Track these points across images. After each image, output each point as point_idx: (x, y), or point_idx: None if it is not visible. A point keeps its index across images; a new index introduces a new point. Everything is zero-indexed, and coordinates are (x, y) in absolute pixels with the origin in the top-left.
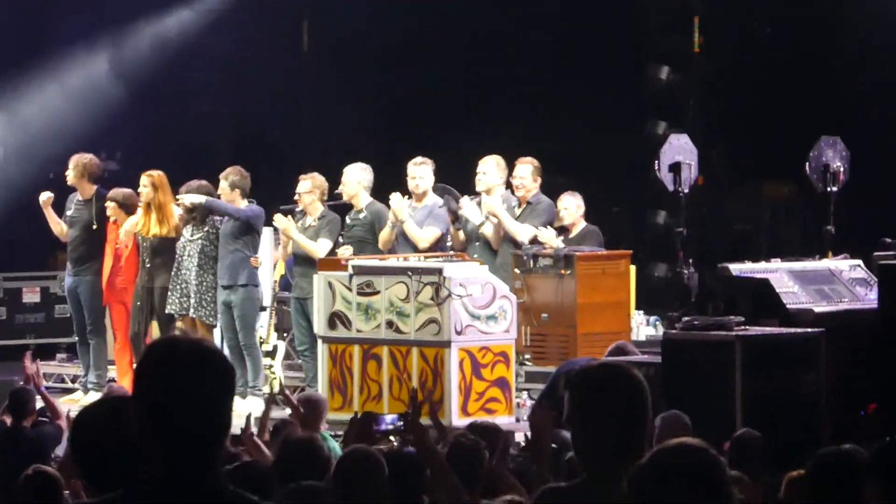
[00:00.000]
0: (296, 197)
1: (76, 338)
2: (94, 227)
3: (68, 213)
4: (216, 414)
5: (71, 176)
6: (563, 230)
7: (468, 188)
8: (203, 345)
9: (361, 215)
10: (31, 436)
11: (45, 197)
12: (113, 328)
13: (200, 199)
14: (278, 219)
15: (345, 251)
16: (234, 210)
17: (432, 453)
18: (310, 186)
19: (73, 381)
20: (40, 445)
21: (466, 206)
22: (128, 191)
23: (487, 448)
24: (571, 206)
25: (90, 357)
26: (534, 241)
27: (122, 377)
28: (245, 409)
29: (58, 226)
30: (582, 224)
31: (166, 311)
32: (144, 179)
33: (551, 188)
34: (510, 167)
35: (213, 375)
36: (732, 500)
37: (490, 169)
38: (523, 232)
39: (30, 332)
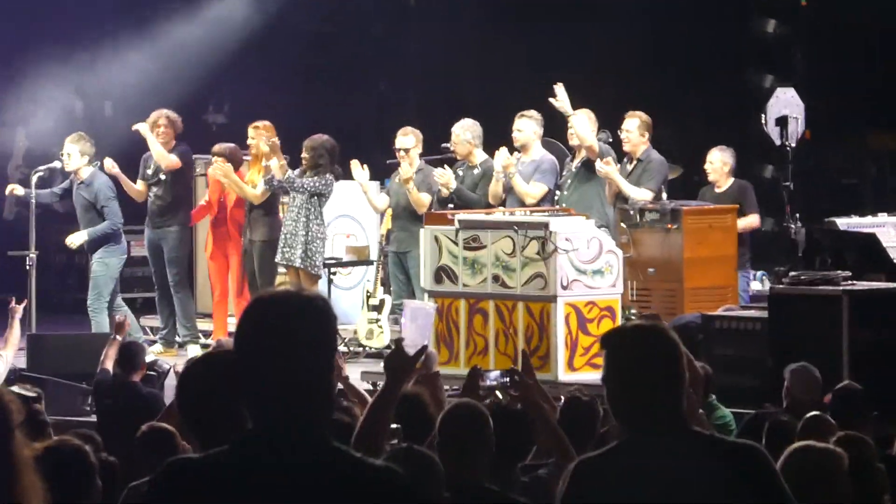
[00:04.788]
0: (401, 153)
1: (155, 292)
2: (163, 177)
3: (148, 171)
4: (317, 365)
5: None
6: (709, 185)
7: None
8: (304, 295)
9: (475, 171)
10: (143, 392)
11: (109, 164)
12: (211, 280)
13: (80, 239)
14: (405, 168)
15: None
16: (105, 229)
17: (539, 409)
18: (414, 142)
19: (154, 335)
20: (155, 401)
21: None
22: (231, 144)
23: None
24: (717, 162)
25: (177, 310)
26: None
27: (218, 331)
28: None
29: (134, 189)
30: (730, 180)
31: (275, 261)
32: (252, 132)
33: (655, 140)
34: (604, 120)
35: (312, 326)
36: None
37: (581, 122)
38: (640, 195)
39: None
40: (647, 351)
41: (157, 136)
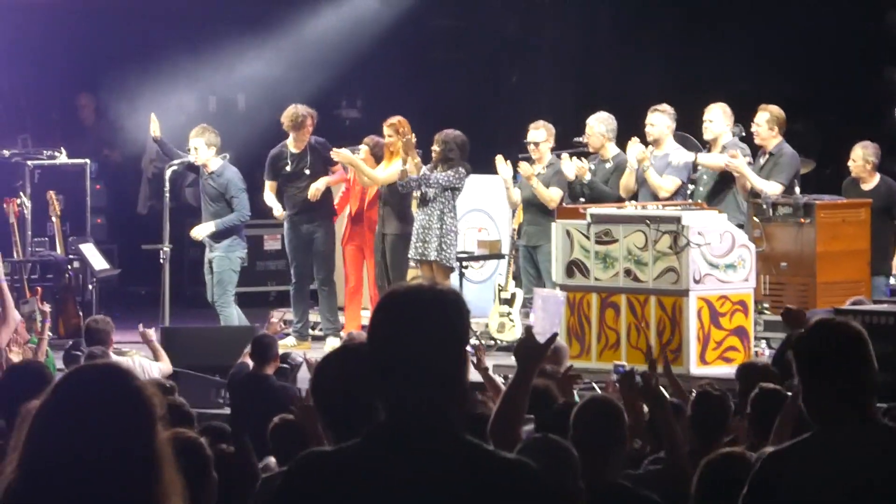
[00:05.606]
0: (531, 146)
1: (291, 285)
2: (308, 172)
3: (287, 169)
4: (450, 359)
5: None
6: (852, 180)
7: (697, 136)
8: (437, 289)
9: (607, 165)
10: (276, 385)
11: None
12: (345, 271)
13: (207, 230)
14: (524, 167)
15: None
16: (234, 220)
17: (658, 404)
18: (545, 135)
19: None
20: (287, 394)
21: (703, 158)
22: (382, 140)
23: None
24: (859, 159)
25: (322, 303)
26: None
27: (350, 323)
28: None
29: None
30: (877, 177)
31: (408, 257)
32: (388, 129)
33: (789, 134)
34: (740, 114)
35: (445, 320)
36: None
37: (716, 117)
38: (770, 188)
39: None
40: (832, 344)
41: (304, 131)
